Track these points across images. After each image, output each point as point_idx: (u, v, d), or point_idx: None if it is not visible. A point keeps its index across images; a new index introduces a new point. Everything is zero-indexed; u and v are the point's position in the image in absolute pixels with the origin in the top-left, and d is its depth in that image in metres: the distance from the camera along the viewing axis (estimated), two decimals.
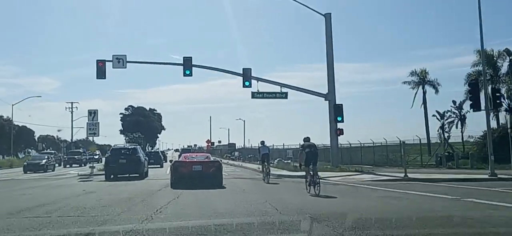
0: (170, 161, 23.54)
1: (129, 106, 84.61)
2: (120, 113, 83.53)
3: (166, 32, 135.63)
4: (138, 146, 30.58)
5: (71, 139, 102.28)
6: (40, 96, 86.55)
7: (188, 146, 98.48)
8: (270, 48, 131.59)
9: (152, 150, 66.09)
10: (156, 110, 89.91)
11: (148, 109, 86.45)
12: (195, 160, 18.81)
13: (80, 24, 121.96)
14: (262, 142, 20.93)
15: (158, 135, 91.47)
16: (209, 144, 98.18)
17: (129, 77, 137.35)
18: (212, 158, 21.01)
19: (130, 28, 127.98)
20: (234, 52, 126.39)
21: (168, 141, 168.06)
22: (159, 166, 39.68)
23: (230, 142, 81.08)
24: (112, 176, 22.98)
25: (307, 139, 14.19)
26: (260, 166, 21.76)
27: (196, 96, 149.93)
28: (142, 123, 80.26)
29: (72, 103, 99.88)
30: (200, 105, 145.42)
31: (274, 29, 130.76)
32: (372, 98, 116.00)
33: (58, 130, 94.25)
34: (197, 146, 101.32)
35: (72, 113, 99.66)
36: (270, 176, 20.03)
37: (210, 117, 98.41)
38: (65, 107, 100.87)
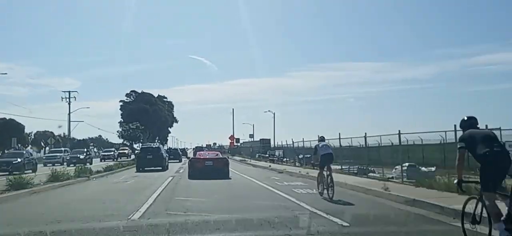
0: (188, 158, 37.28)
1: (132, 91, 65.90)
2: (120, 101, 64.87)
3: (185, 33, 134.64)
4: (161, 145, 42.72)
5: (68, 134, 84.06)
6: (6, 73, 69.90)
7: (207, 145, 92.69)
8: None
9: (172, 148, 67.16)
10: (166, 98, 71.22)
11: (156, 95, 67.60)
12: (208, 157, 23.34)
13: (98, 24, 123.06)
14: (322, 138, 13.97)
15: (169, 128, 72.54)
16: (233, 141, 78.94)
17: (149, 76, 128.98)
18: (221, 156, 25.17)
19: (147, 27, 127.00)
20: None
21: (186, 140, 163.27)
22: (178, 161, 44.55)
23: (260, 138, 61.64)
24: (141, 168, 29.69)
25: (472, 122, 6.51)
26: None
27: (216, 95, 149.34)
28: (147, 113, 61.29)
29: (69, 92, 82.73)
30: (221, 105, 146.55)
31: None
32: (393, 98, 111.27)
33: (59, 126, 77.54)
34: (217, 145, 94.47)
35: (69, 103, 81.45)
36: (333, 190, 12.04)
37: (233, 109, 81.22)
38: (60, 97, 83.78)
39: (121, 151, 51.07)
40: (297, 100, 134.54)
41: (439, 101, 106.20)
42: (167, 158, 33.91)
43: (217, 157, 23.87)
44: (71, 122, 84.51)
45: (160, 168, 29.87)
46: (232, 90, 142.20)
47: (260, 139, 58.57)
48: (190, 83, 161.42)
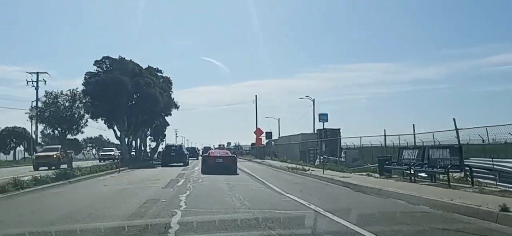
0: (201, 156, 42.73)
1: (104, 58, 40.95)
2: (86, 74, 40.01)
3: (193, 34, 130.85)
4: (183, 144, 52.28)
5: (35, 128, 59.32)
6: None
7: (219, 145, 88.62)
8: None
9: (190, 147, 69.22)
10: (161, 72, 46.32)
11: (144, 67, 42.94)
12: (218, 155, 25.42)
13: (107, 27, 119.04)
14: None
15: (165, 116, 47.42)
16: (260, 136, 54.13)
17: None
18: (230, 154, 27.29)
19: (155, 29, 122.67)
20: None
21: (198, 140, 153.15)
22: (195, 158, 49.23)
23: (318, 129, 36.50)
24: (166, 164, 33.44)
25: None
26: None
27: (227, 96, 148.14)
28: (124, 88, 36.64)
29: (37, 73, 58.81)
30: (232, 106, 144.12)
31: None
32: (402, 98, 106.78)
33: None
34: (231, 145, 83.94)
35: (37, 89, 57.18)
36: None
37: (256, 96, 59.54)
38: (26, 81, 59.36)
39: (41, 154, 26.42)
40: (307, 101, 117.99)
41: (454, 101, 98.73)
42: (187, 155, 38.32)
43: (227, 155, 25.83)
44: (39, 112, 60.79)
45: (182, 163, 33.48)
46: (242, 91, 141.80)
47: (318, 131, 33.29)
48: (201, 85, 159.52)
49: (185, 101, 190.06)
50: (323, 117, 21.45)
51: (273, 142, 52.82)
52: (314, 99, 52.04)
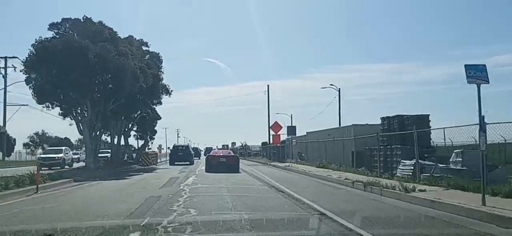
0: (205, 155, 42.72)
1: (64, 20, 28.72)
2: (36, 40, 27.76)
3: (195, 35, 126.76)
4: (189, 145, 52.25)
5: (3, 123, 47.15)
6: None
7: (223, 145, 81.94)
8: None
9: (193, 147, 66.67)
10: (147, 44, 34.01)
11: (123, 36, 30.70)
12: (222, 154, 26.25)
13: (110, 26, 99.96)
14: None
15: (154, 105, 35.05)
16: (279, 134, 41.89)
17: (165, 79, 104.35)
18: (232, 154, 28.98)
19: (158, 30, 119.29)
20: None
21: (200, 141, 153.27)
22: (198, 158, 53.52)
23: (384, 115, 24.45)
24: (174, 163, 36.71)
25: None
26: None
27: (230, 97, 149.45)
28: (83, 58, 24.27)
29: (5, 58, 48.81)
30: (237, 107, 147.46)
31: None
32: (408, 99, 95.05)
33: (70, 124, 42.08)
34: (236, 145, 76.76)
35: (5, 77, 44.94)
36: None
37: (268, 85, 52.41)
38: None
39: None
40: (310, 102, 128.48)
41: (463, 101, 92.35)
42: (193, 154, 42.43)
43: (229, 155, 27.22)
44: (7, 106, 48.85)
45: (188, 162, 36.31)
46: (246, 92, 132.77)
47: (386, 119, 20.39)
48: (204, 86, 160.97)
49: (188, 102, 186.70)
50: (480, 73, 8.98)
51: (294, 141, 40.50)
52: (340, 88, 40.79)
